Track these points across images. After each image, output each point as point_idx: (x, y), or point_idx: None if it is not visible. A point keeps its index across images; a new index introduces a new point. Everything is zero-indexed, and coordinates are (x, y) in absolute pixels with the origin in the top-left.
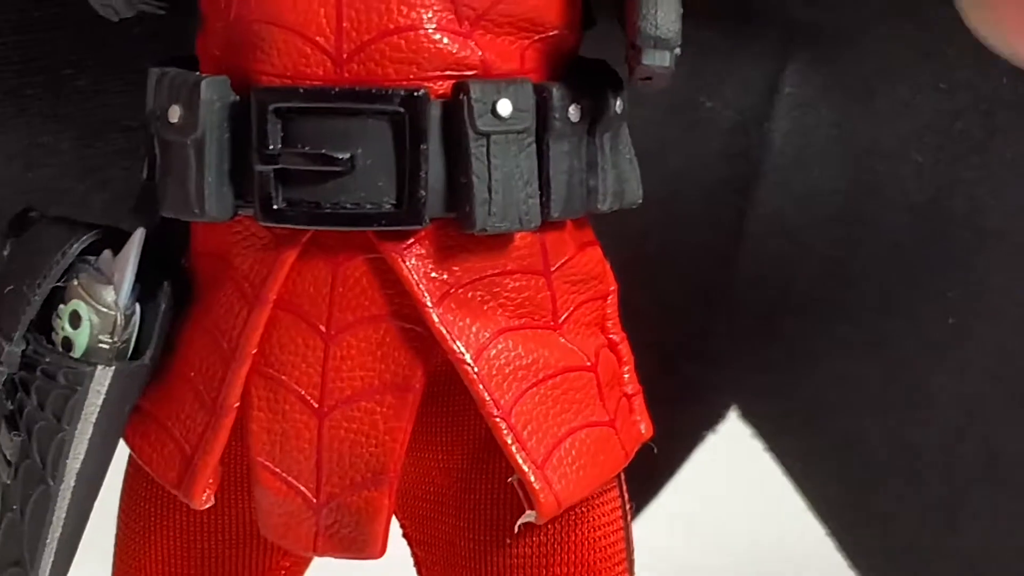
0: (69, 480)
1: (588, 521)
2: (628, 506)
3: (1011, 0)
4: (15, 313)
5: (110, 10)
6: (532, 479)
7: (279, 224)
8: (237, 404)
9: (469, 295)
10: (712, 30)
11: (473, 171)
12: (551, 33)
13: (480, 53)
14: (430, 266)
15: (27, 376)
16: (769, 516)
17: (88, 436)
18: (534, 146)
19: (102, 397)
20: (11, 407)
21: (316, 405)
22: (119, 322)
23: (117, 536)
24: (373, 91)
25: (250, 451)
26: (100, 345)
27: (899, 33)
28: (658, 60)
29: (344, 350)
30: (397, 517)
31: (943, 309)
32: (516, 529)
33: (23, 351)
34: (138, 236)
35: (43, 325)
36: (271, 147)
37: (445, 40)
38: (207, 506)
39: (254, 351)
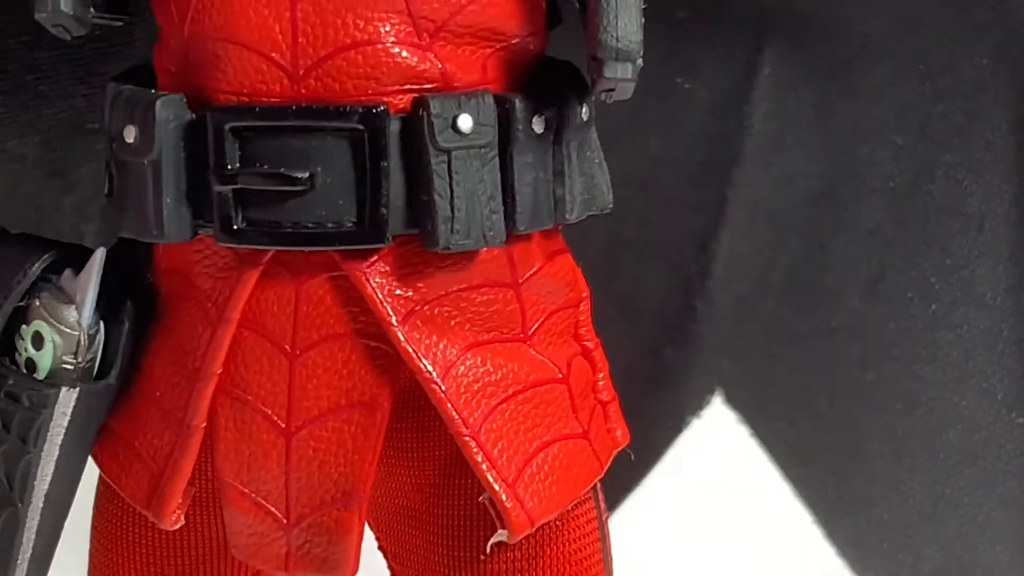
0: (37, 502)
1: (563, 535)
2: (605, 515)
3: None
4: None
5: (62, 30)
6: (503, 498)
7: (239, 244)
8: (203, 424)
9: (435, 311)
10: (688, 8)
11: (435, 188)
12: (513, 41)
13: (440, 65)
14: (394, 284)
15: None
16: (754, 503)
17: (55, 457)
18: (497, 160)
19: (67, 419)
20: None
21: (283, 425)
22: (83, 342)
23: (90, 553)
24: (331, 108)
25: (219, 472)
26: (64, 366)
27: (873, 14)
28: (620, 72)
29: (310, 369)
30: (372, 529)
31: (925, 294)
32: (488, 548)
33: None
34: (99, 255)
35: (6, 346)
36: (229, 167)
37: (404, 54)
38: (177, 527)
39: (219, 371)
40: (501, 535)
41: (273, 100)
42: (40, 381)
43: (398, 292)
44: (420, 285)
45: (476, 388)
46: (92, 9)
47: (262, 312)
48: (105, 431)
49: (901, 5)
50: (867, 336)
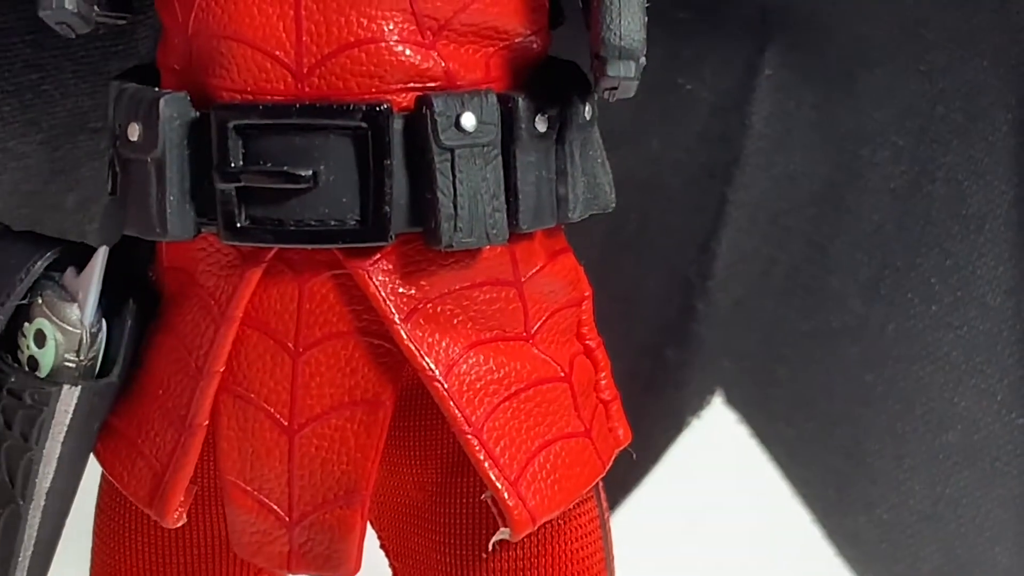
0: (39, 499)
1: (565, 534)
2: (606, 514)
3: None
4: None
5: (65, 28)
6: (505, 496)
7: (243, 242)
8: (206, 422)
9: (438, 310)
10: (689, 9)
11: (438, 186)
12: (516, 40)
13: (443, 64)
14: (397, 282)
15: None
16: (755, 503)
17: (57, 455)
18: (500, 158)
19: (69, 416)
20: None
21: (286, 423)
22: (85, 340)
23: (92, 551)
24: (334, 106)
25: (221, 470)
26: (66, 364)
27: (873, 16)
28: (623, 71)
29: (313, 367)
30: (374, 528)
31: (925, 294)
32: (491, 547)
33: None
34: (101, 253)
35: (8, 343)
36: (232, 165)
37: (407, 52)
38: (179, 525)
39: (221, 369)
40: (503, 533)
41: (277, 98)
42: (42, 379)
43: (401, 290)
44: (423, 283)
45: (479, 386)
46: (96, 7)
47: (265, 310)
48: (107, 429)
49: (902, 7)
50: (867, 337)
